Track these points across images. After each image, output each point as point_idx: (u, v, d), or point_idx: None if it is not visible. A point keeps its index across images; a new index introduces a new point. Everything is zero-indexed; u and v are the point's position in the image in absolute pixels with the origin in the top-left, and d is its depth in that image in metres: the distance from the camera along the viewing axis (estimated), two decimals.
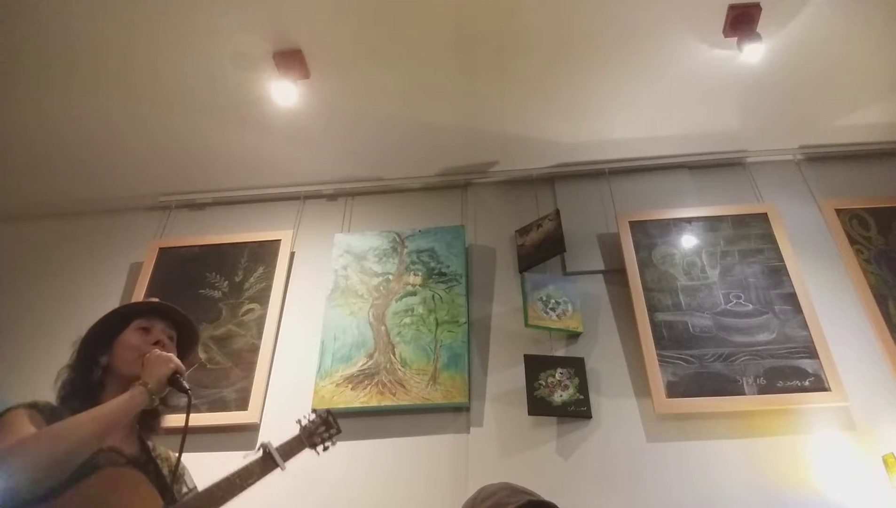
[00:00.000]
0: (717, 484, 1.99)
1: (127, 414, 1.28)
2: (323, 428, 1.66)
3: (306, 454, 1.61)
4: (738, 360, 2.19)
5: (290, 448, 1.57)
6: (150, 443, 1.47)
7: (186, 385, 1.37)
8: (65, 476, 1.14)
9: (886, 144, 2.71)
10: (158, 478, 1.39)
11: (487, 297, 2.53)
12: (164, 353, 1.39)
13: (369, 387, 2.27)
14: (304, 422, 1.65)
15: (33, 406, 1.27)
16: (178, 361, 1.39)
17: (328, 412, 1.70)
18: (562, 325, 2.32)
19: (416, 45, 2.30)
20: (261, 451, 1.51)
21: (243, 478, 1.43)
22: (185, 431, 1.29)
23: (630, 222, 2.58)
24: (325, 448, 1.65)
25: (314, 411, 1.70)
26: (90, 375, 1.41)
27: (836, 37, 2.28)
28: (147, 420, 1.46)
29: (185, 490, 1.49)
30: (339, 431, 1.69)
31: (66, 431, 1.17)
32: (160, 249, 2.74)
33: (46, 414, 1.26)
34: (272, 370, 2.40)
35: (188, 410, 1.33)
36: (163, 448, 1.50)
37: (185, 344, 1.57)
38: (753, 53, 2.20)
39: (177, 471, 1.38)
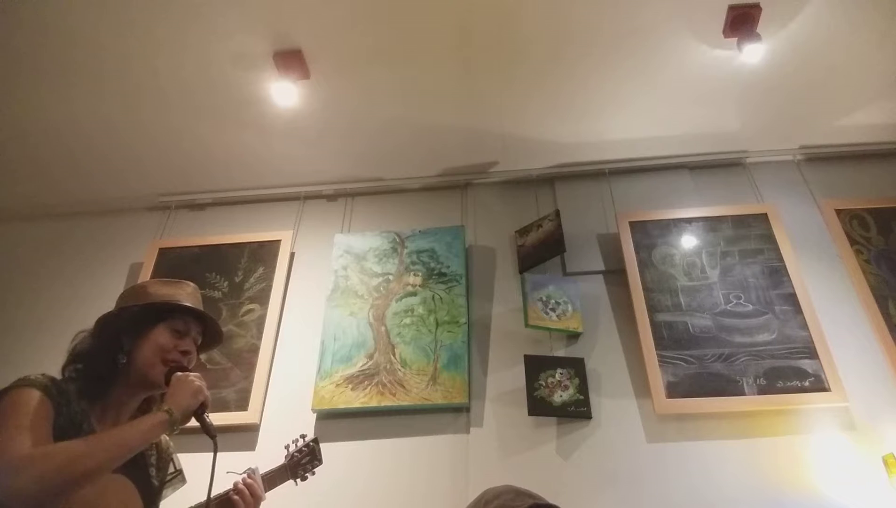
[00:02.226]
0: (717, 484, 1.99)
1: (145, 443, 1.20)
2: (307, 459, 1.67)
3: None
4: (739, 360, 2.19)
5: (274, 478, 1.59)
6: None
7: (211, 423, 1.28)
8: (67, 498, 1.07)
9: (886, 144, 2.71)
10: (144, 475, 1.36)
11: (487, 297, 2.53)
12: (197, 381, 1.29)
13: (369, 387, 2.27)
14: (293, 449, 1.66)
15: (45, 390, 1.18)
16: (207, 392, 1.29)
17: (315, 440, 1.71)
18: (562, 325, 2.32)
19: (417, 45, 2.30)
20: (246, 475, 1.51)
21: (223, 504, 1.43)
22: (213, 476, 1.23)
23: (630, 223, 2.58)
24: (304, 479, 1.66)
25: (303, 436, 1.71)
26: (112, 358, 1.31)
27: (836, 37, 2.28)
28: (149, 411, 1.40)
29: (171, 469, 1.47)
30: (320, 462, 1.70)
31: (80, 457, 1.07)
32: (160, 249, 2.74)
33: (55, 399, 1.19)
34: (272, 370, 2.40)
35: (215, 453, 1.25)
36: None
37: (205, 347, 1.51)
38: (753, 54, 2.20)
39: None
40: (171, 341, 1.35)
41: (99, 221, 2.96)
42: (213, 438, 1.28)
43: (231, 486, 1.48)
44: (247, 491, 1.45)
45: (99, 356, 1.31)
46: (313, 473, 1.69)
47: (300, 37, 2.26)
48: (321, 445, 1.73)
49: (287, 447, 1.68)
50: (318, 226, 2.82)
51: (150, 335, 1.34)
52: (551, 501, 1.35)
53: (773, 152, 2.77)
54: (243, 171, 2.84)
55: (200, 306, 1.44)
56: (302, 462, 1.66)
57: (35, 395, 1.16)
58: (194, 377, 1.29)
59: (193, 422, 1.29)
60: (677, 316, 2.32)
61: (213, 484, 1.24)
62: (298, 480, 1.66)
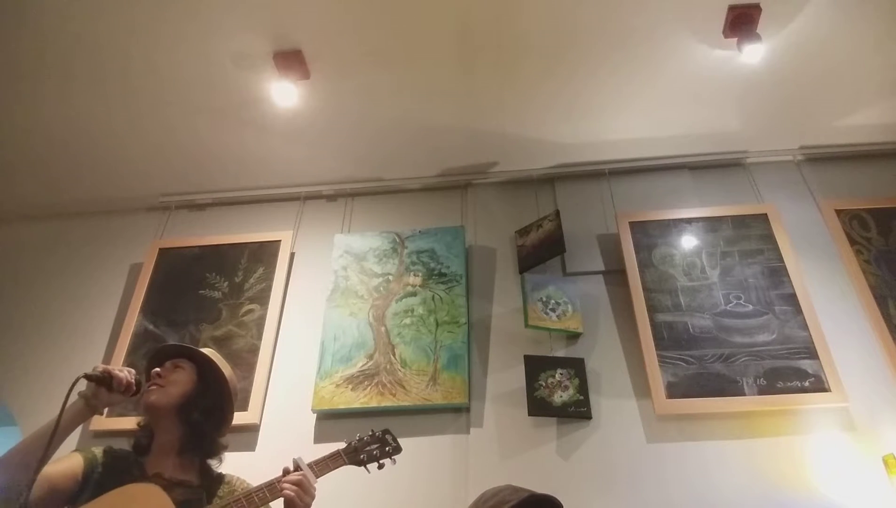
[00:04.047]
0: (717, 485, 1.99)
1: (66, 418, 1.36)
2: (375, 446, 1.63)
3: (310, 454, 1.62)
4: (738, 361, 2.19)
5: (325, 465, 1.55)
6: (216, 471, 1.62)
7: (79, 377, 1.39)
8: (11, 476, 1.32)
9: (886, 145, 2.70)
10: (204, 501, 1.49)
11: (487, 298, 2.53)
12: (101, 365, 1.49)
13: (369, 388, 2.27)
14: (354, 440, 1.63)
15: (87, 452, 1.53)
16: (105, 366, 1.47)
17: (386, 431, 1.68)
18: (562, 326, 2.32)
19: (417, 45, 2.30)
20: (292, 466, 1.51)
21: (268, 493, 1.45)
22: (58, 420, 1.32)
23: (630, 223, 2.58)
24: (381, 466, 1.61)
25: (372, 431, 1.67)
26: (147, 429, 1.62)
27: (836, 37, 2.28)
28: (201, 445, 1.60)
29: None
30: (397, 449, 1.65)
31: (14, 445, 1.38)
32: (160, 249, 2.74)
33: (93, 456, 1.51)
34: (272, 370, 2.40)
35: (67, 396, 1.34)
36: (232, 476, 1.62)
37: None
38: (753, 54, 2.20)
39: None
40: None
41: (99, 221, 2.96)
42: (72, 384, 1.36)
43: (279, 476, 1.48)
44: (291, 484, 1.47)
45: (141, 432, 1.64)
46: (394, 461, 1.63)
47: (300, 37, 2.25)
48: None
49: (349, 441, 1.64)
50: (318, 226, 2.82)
51: None
52: None
53: (773, 152, 2.77)
54: (243, 171, 2.84)
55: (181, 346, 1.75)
56: (365, 448, 1.61)
57: (75, 454, 1.51)
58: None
59: None
60: (677, 316, 2.32)
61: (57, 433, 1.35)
62: (372, 466, 1.60)
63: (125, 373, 1.46)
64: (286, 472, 1.48)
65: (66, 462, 1.47)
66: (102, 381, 1.42)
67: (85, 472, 1.46)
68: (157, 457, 1.56)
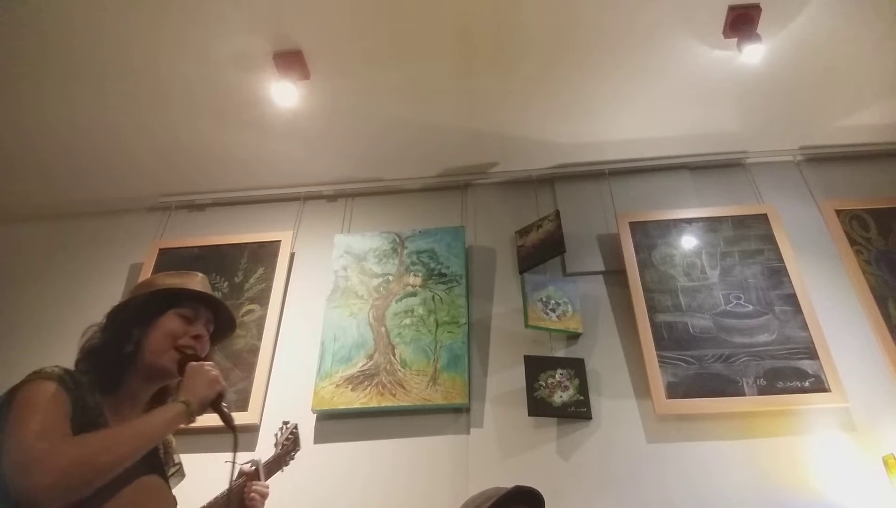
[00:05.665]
0: (717, 485, 1.99)
1: (164, 436, 1.22)
2: (292, 446, 1.81)
3: (310, 454, 1.73)
4: (739, 361, 2.19)
5: (270, 471, 1.68)
6: None
7: (230, 414, 1.26)
8: (87, 493, 1.04)
9: (886, 145, 2.71)
10: (164, 472, 1.39)
11: (487, 298, 2.53)
12: (212, 370, 1.26)
13: (369, 388, 2.27)
14: (281, 438, 1.78)
15: (61, 382, 1.15)
16: (223, 382, 1.26)
17: (296, 426, 1.84)
18: (562, 326, 2.32)
19: (417, 45, 2.30)
20: (252, 467, 1.59)
21: (235, 496, 1.51)
22: (234, 468, 1.25)
23: (630, 223, 2.58)
24: (287, 465, 1.78)
25: (285, 423, 1.83)
26: (121, 349, 1.27)
27: (836, 37, 2.28)
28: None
29: (173, 464, 1.45)
30: (300, 448, 1.84)
31: (99, 452, 1.06)
32: (160, 249, 2.74)
33: (72, 392, 1.15)
34: (272, 370, 2.40)
35: (235, 443, 1.24)
36: None
37: (219, 337, 1.47)
38: (753, 54, 2.20)
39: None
40: (180, 326, 1.31)
41: (99, 221, 2.96)
42: (234, 429, 1.26)
43: (237, 478, 1.53)
44: (259, 495, 1.53)
45: (109, 347, 1.28)
46: (293, 458, 1.81)
47: (300, 37, 2.25)
48: (322, 445, 1.78)
49: (276, 435, 1.79)
50: (318, 226, 2.82)
51: (159, 323, 1.31)
52: (548, 501, 1.44)
53: (773, 153, 2.77)
54: (243, 171, 2.84)
55: (210, 292, 1.42)
56: (290, 450, 1.78)
57: (51, 387, 1.12)
58: (209, 366, 1.26)
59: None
60: (677, 317, 2.32)
61: (231, 477, 1.34)
62: (285, 468, 1.76)
63: (223, 383, 1.27)
64: (244, 474, 1.55)
65: (56, 402, 1.12)
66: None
67: (71, 414, 1.15)
68: (124, 408, 1.26)
